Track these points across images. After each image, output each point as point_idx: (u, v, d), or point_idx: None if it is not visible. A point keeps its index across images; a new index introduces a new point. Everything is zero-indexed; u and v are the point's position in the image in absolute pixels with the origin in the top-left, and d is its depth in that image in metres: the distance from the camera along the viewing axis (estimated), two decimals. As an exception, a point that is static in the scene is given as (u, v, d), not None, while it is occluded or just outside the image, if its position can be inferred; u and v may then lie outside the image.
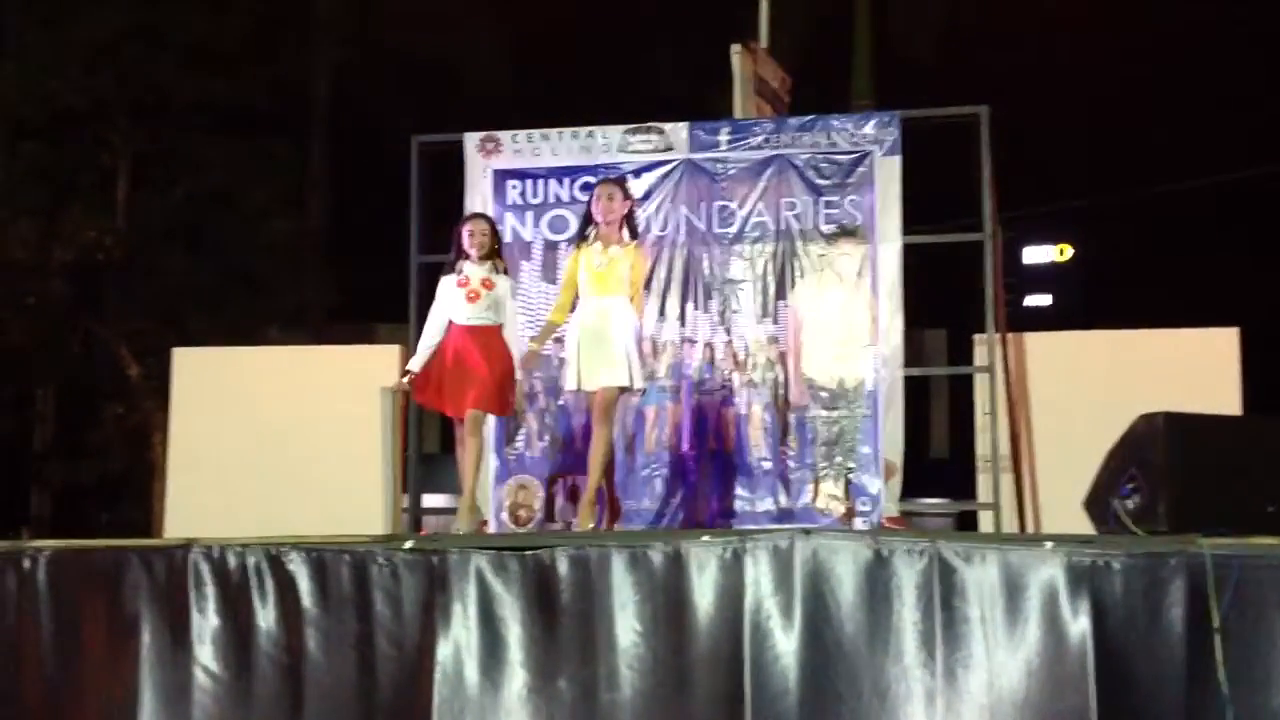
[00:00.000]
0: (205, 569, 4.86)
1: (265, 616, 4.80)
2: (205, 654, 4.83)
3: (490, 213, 7.69)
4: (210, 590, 4.85)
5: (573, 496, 7.30)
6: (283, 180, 17.00)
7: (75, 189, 16.04)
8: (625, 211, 6.55)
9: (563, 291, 6.69)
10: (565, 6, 17.44)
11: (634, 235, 6.63)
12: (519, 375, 6.66)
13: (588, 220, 6.60)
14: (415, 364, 6.54)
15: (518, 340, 6.63)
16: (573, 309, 6.62)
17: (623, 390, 6.47)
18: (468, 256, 6.54)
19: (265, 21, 16.49)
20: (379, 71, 17.67)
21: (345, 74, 18.19)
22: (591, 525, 6.22)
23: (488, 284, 6.50)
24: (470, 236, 6.56)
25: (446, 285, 6.60)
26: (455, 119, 9.03)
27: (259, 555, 4.82)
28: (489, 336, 6.47)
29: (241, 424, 8.35)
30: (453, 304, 6.52)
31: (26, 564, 5.06)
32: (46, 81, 15.44)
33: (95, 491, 17.17)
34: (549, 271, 7.54)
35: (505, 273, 6.66)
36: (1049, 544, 4.33)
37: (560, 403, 7.51)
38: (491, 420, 7.55)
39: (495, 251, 6.61)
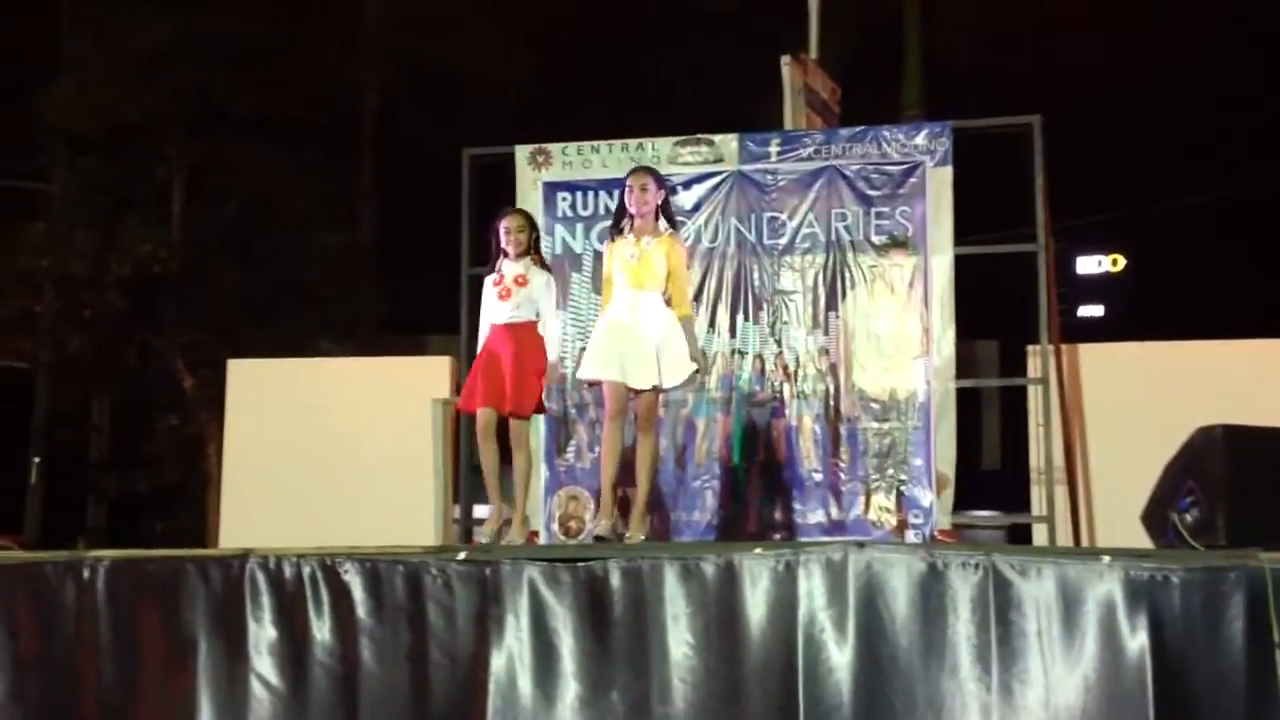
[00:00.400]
0: (262, 579, 4.88)
1: (320, 627, 4.83)
2: (262, 664, 4.85)
3: (540, 225, 7.73)
4: (266, 600, 4.88)
5: (624, 508, 7.28)
6: (334, 193, 17.17)
7: (131, 203, 16.26)
8: (660, 201, 6.20)
9: (605, 291, 6.36)
10: (613, 21, 17.48)
11: (671, 224, 6.29)
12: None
13: (621, 213, 6.31)
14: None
15: (567, 349, 6.55)
16: None
17: (657, 389, 6.10)
18: (506, 255, 6.38)
19: (317, 36, 16.66)
20: (428, 85, 17.79)
21: (396, 87, 18.33)
22: (643, 537, 6.18)
23: (520, 280, 6.30)
24: (506, 234, 6.37)
25: (486, 286, 6.46)
26: (504, 132, 9.06)
27: (314, 565, 4.85)
28: (521, 334, 6.27)
29: (295, 434, 8.44)
30: (489, 302, 6.39)
31: (86, 573, 5.10)
32: (103, 96, 15.65)
33: (150, 502, 17.37)
34: (599, 283, 7.54)
35: (545, 268, 6.46)
36: (1106, 558, 4.29)
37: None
38: (543, 431, 7.59)
39: (532, 247, 6.41)
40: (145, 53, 15.59)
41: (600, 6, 17.37)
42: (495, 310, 6.35)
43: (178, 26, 15.56)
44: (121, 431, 17.96)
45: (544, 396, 6.45)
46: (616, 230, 6.29)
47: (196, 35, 15.63)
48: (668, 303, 6.15)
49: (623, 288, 6.13)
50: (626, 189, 6.21)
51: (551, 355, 6.34)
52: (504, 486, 6.36)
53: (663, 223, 6.22)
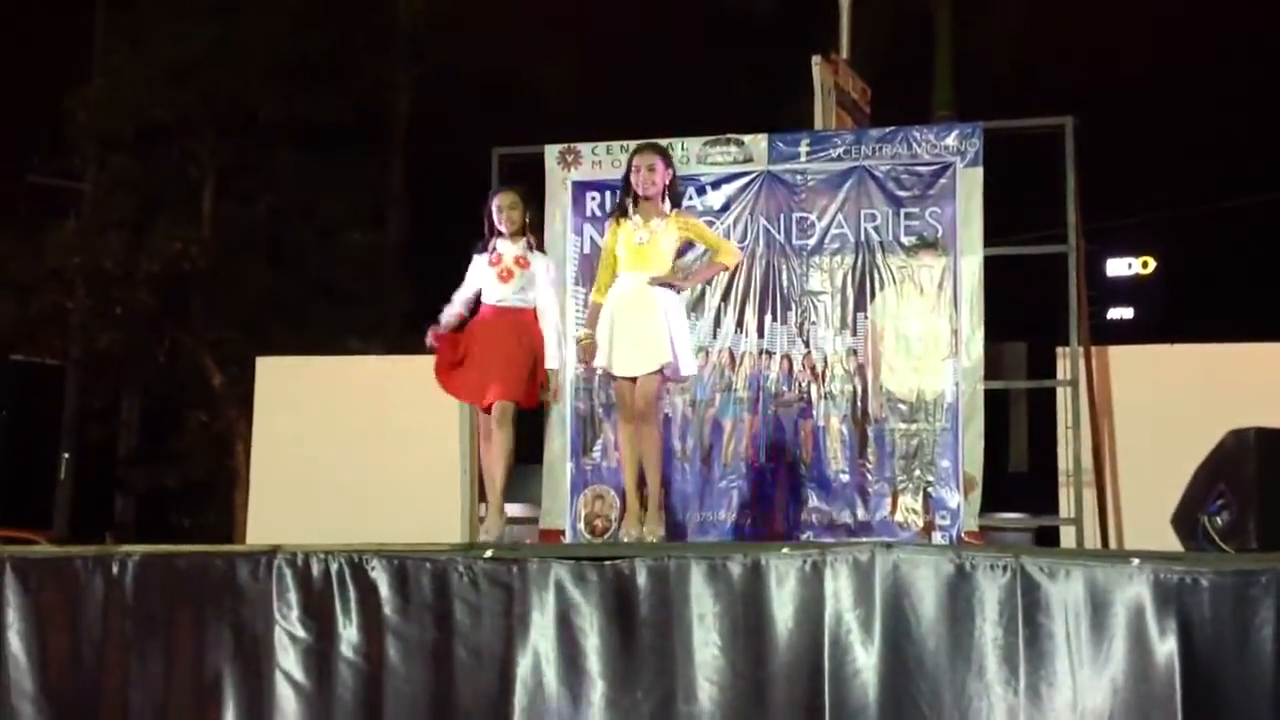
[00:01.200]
0: (289, 575, 4.90)
1: (347, 624, 4.84)
2: (288, 661, 4.87)
3: (570, 224, 7.74)
4: (293, 597, 4.90)
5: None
6: (363, 193, 17.24)
7: (162, 201, 16.38)
8: (667, 181, 6.02)
9: (602, 271, 6.16)
10: (644, 19, 17.49)
11: (676, 204, 6.12)
12: (579, 368, 6.47)
13: (626, 192, 6.09)
14: (443, 322, 6.25)
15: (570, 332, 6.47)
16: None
17: (663, 373, 5.92)
18: (500, 234, 6.18)
19: (347, 38, 16.74)
20: (458, 85, 17.85)
21: (425, 88, 18.39)
22: (661, 529, 6.14)
23: (521, 262, 6.12)
24: (499, 212, 6.14)
25: (479, 263, 6.23)
26: (534, 132, 9.09)
27: (342, 562, 4.86)
28: (521, 319, 6.10)
29: (322, 432, 8.47)
30: (485, 283, 6.19)
31: (115, 568, 5.13)
32: (135, 97, 15.77)
33: (178, 498, 17.49)
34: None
35: (541, 249, 6.29)
36: (1135, 560, 4.26)
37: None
38: (569, 429, 7.59)
39: (528, 228, 6.21)
40: (178, 58, 15.70)
41: (632, 7, 17.38)
42: (493, 290, 6.16)
43: (211, 33, 15.65)
44: (150, 428, 18.10)
45: (544, 392, 6.21)
46: (621, 211, 6.14)
47: (229, 41, 15.72)
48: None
49: (627, 271, 6.01)
50: (633, 169, 6.06)
51: (552, 362, 6.13)
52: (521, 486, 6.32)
53: (668, 204, 6.07)
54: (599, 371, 6.39)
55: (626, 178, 6.12)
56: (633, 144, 7.62)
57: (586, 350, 6.15)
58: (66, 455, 18.66)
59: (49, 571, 5.26)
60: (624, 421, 6.12)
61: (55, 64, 17.69)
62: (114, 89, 16.06)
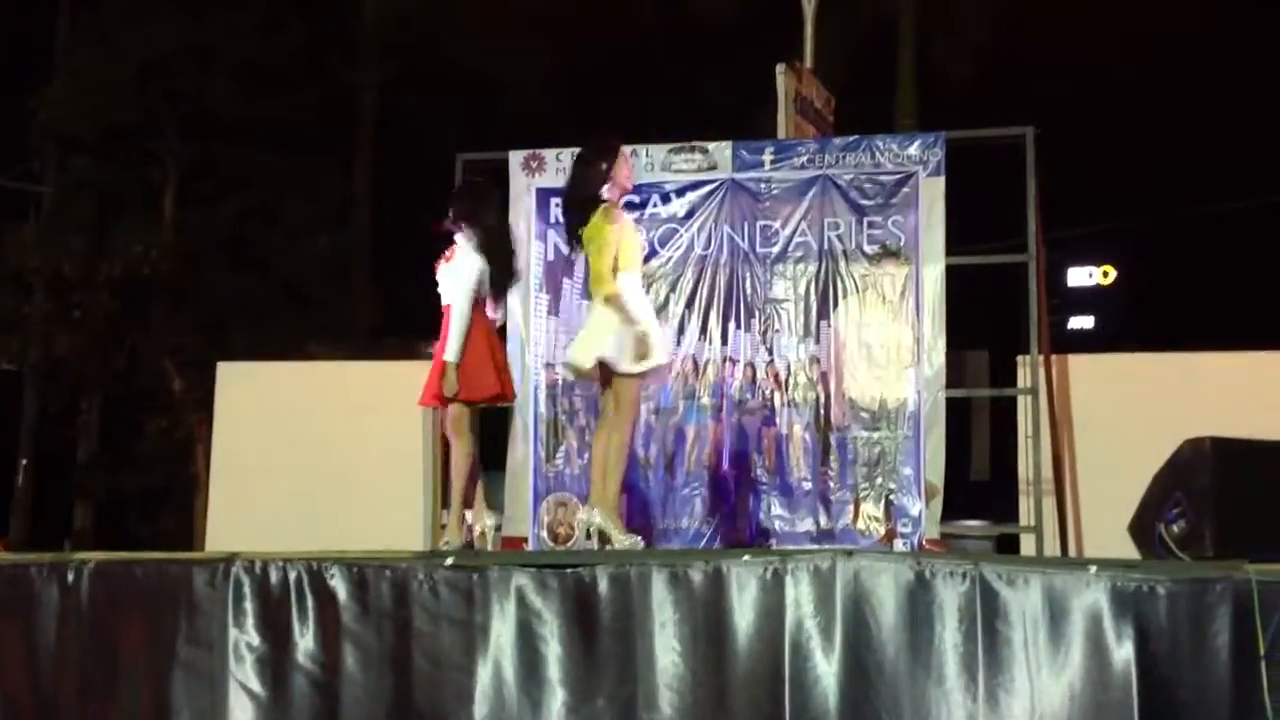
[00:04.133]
0: (247, 583, 4.87)
1: (305, 632, 4.81)
2: (244, 670, 4.84)
3: (533, 230, 7.73)
4: (250, 605, 4.86)
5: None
6: (328, 197, 17.16)
7: (123, 204, 16.25)
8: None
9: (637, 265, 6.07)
10: (610, 26, 17.50)
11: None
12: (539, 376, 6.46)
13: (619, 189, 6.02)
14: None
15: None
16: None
17: (642, 377, 5.84)
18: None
19: (312, 40, 16.67)
20: (424, 89, 17.80)
21: (391, 91, 18.34)
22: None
23: (446, 256, 6.10)
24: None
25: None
26: (500, 137, 9.06)
27: (300, 570, 4.84)
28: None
29: (284, 438, 8.41)
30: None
31: (71, 576, 5.09)
32: (98, 98, 15.64)
33: (137, 503, 17.33)
34: (589, 288, 7.48)
35: (479, 248, 6.05)
36: (1093, 568, 4.29)
37: (600, 420, 7.49)
38: (532, 437, 7.58)
39: (453, 216, 6.08)
40: (142, 59, 15.59)
41: (599, 13, 17.38)
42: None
43: (175, 34, 15.55)
44: (110, 433, 17.92)
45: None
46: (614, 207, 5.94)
47: (194, 42, 15.62)
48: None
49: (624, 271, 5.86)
50: (624, 161, 5.97)
51: (450, 355, 5.91)
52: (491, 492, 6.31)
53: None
54: (558, 374, 6.39)
55: (617, 172, 5.94)
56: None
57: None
58: (24, 461, 18.47)
59: (4, 579, 5.21)
60: (600, 419, 6.09)
61: (17, 64, 17.54)
62: (77, 89, 15.92)
